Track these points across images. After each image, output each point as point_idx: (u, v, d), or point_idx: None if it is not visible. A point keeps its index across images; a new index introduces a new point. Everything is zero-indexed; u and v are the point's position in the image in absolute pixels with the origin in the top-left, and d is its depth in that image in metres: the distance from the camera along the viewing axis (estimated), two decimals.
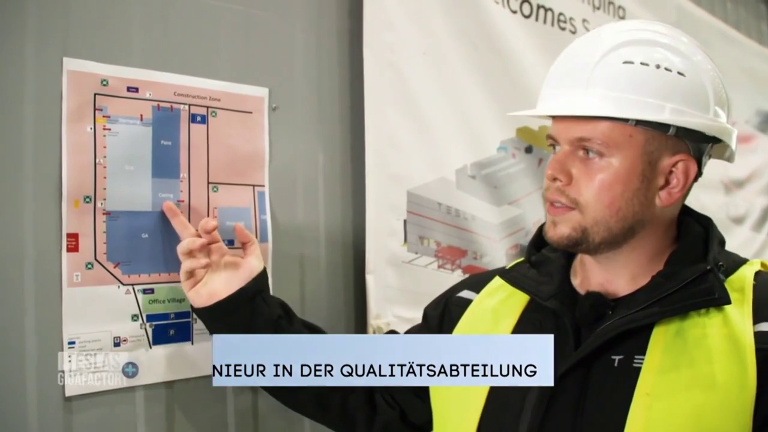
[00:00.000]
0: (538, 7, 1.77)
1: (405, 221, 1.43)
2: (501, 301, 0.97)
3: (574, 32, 1.85)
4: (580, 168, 0.82)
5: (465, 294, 1.04)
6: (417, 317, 1.13)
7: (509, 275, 0.96)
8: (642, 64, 0.80)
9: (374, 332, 1.33)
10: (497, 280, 1.00)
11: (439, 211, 1.51)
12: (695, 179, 0.86)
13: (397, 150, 1.41)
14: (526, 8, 1.73)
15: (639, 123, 0.80)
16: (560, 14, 1.83)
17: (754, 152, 2.90)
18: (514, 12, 1.70)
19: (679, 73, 0.81)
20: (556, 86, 0.86)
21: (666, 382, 0.77)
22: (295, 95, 1.28)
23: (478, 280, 1.06)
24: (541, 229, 0.92)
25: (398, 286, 1.40)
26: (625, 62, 0.80)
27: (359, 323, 1.37)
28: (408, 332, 1.14)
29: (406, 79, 1.43)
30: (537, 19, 1.76)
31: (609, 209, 0.81)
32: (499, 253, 1.63)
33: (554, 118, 0.86)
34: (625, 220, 0.82)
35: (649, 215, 0.84)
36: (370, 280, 1.35)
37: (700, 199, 2.41)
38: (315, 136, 1.32)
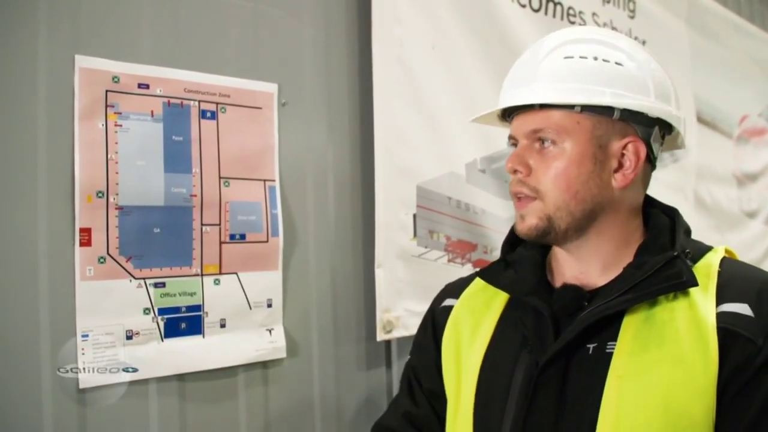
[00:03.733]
0: (548, 0, 1.76)
1: (414, 215, 1.43)
2: (482, 302, 1.00)
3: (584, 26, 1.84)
4: (537, 158, 0.88)
5: (447, 302, 1.07)
6: None
7: (487, 275, 0.99)
8: (581, 57, 0.87)
9: (383, 326, 1.34)
10: (477, 282, 1.03)
11: (449, 205, 1.51)
12: (653, 166, 0.91)
13: (407, 144, 1.42)
14: (535, 2, 1.73)
15: (584, 109, 0.86)
16: (569, 8, 1.83)
17: (767, 145, 2.88)
18: (523, 6, 1.70)
19: (617, 63, 0.87)
20: (509, 88, 0.93)
21: (636, 363, 0.81)
22: (305, 91, 1.29)
23: (455, 286, 1.09)
24: (513, 227, 0.95)
25: (408, 279, 1.40)
26: (566, 57, 0.87)
27: (369, 316, 1.38)
28: (414, 370, 1.07)
29: (415, 73, 1.43)
30: (546, 12, 1.76)
31: (567, 193, 0.86)
32: None
33: (513, 118, 0.92)
34: (585, 202, 0.87)
35: (608, 197, 0.88)
36: (380, 273, 1.36)
37: (713, 194, 2.40)
38: (324, 131, 1.32)
